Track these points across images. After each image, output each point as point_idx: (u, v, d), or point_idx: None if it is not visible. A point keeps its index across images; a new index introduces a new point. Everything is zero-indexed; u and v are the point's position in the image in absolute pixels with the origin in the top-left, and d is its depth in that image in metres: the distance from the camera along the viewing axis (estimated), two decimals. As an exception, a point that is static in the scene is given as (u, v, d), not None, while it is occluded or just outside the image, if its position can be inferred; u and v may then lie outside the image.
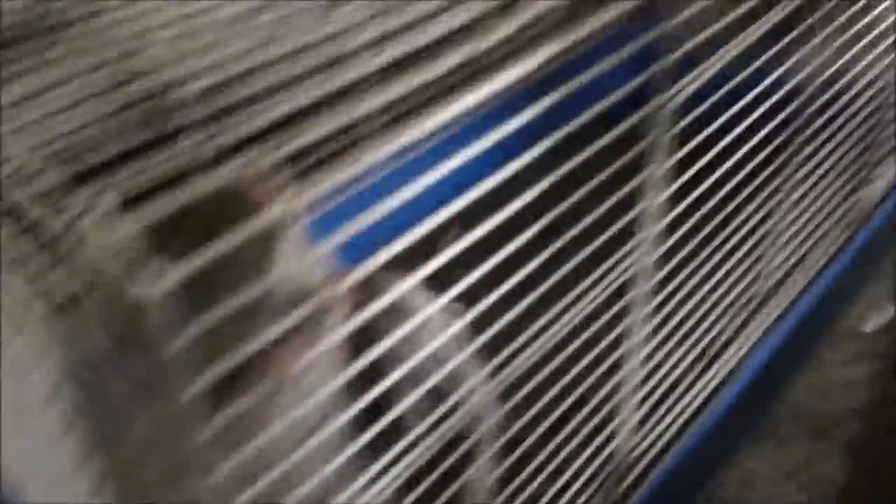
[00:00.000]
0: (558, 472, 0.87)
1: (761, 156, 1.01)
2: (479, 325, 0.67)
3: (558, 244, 0.68)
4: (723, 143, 0.89)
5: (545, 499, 0.86)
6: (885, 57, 1.18)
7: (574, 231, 0.68)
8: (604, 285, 0.78)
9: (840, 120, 1.16)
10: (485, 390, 0.76)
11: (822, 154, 1.15)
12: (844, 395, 1.35)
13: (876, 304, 1.45)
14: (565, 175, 0.63)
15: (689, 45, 0.74)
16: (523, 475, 0.83)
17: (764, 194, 1.07)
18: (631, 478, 0.97)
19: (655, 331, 0.90)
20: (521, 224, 0.63)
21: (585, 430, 0.88)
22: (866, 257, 1.42)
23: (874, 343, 1.41)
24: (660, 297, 0.88)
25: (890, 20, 1.15)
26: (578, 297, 0.77)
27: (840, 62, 1.08)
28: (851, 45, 1.09)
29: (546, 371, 0.79)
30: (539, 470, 0.84)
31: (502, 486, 0.83)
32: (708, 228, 0.97)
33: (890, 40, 1.17)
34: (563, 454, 0.86)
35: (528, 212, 0.62)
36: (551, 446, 0.85)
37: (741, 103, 0.91)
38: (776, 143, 1.04)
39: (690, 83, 0.76)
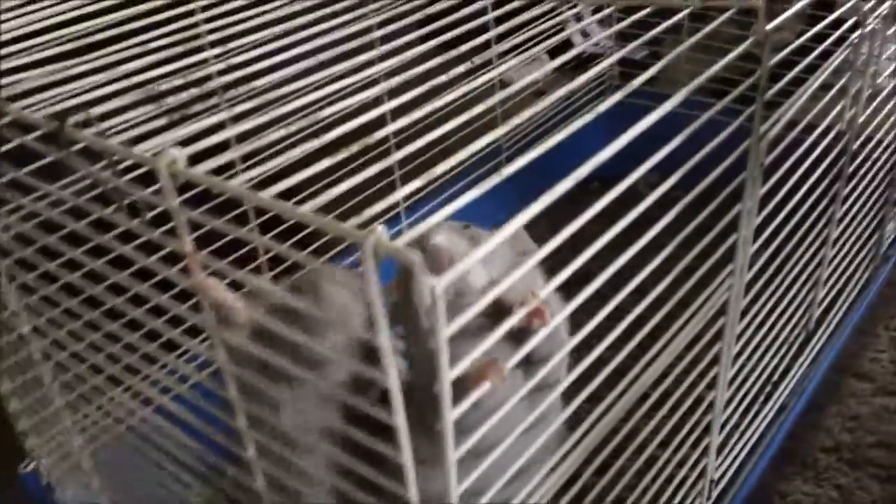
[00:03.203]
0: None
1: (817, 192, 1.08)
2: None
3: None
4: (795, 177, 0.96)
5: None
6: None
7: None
8: (702, 313, 0.81)
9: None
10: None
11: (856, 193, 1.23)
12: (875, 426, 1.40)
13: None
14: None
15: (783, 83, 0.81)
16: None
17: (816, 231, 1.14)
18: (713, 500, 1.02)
19: (736, 355, 0.95)
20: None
21: (682, 449, 0.93)
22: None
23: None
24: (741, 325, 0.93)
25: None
26: (680, 328, 0.80)
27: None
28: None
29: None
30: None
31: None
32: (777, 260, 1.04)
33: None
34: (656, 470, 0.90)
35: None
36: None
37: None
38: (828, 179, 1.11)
39: (783, 115, 0.82)
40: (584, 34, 2.34)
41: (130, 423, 0.83)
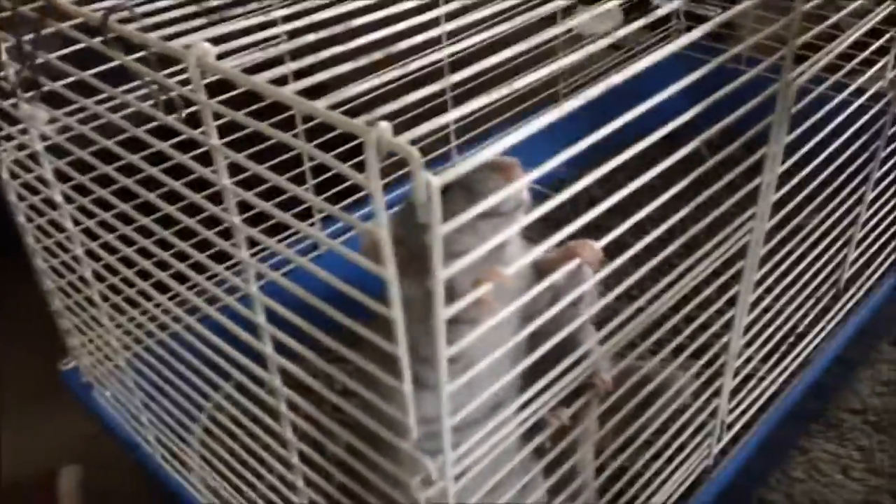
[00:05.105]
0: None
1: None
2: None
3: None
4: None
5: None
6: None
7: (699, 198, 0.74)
8: (721, 251, 0.83)
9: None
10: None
11: None
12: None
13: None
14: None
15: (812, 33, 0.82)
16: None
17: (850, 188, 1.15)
18: (724, 442, 1.05)
19: (754, 303, 0.95)
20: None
21: (692, 387, 0.96)
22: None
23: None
24: (761, 272, 0.93)
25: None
26: (696, 262, 0.81)
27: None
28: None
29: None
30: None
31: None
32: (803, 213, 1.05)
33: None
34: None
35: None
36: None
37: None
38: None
39: (812, 66, 0.82)
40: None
41: (171, 328, 0.86)
